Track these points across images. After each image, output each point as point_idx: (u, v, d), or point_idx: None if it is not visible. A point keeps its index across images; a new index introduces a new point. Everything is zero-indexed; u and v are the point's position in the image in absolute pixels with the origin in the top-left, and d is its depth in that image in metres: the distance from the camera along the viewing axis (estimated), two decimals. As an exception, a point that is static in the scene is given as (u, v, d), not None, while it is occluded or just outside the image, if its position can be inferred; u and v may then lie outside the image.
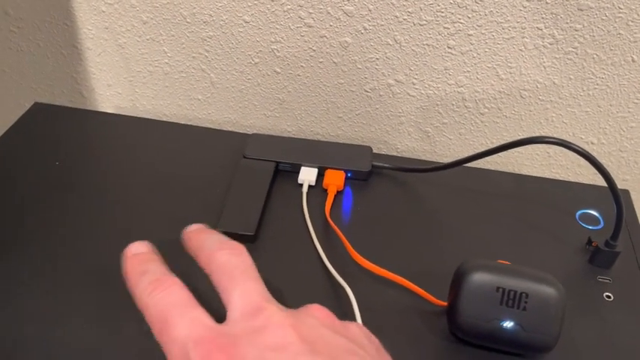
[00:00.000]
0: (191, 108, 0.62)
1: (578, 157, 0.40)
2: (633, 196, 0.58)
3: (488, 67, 0.53)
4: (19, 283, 0.37)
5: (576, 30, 0.49)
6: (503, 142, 0.43)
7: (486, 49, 0.52)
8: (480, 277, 0.32)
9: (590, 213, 0.43)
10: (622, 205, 0.35)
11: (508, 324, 0.32)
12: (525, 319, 0.31)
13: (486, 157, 0.59)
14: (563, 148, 0.37)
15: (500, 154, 0.59)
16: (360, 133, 0.60)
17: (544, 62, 0.51)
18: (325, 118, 0.60)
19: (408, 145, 0.60)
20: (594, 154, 0.56)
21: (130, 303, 0.34)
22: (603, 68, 0.51)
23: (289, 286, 0.37)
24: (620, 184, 0.59)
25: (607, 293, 0.37)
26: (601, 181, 0.40)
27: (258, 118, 0.62)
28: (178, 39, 0.57)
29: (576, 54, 0.50)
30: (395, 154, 0.60)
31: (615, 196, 0.35)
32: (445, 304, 0.35)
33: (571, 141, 0.39)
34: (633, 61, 0.49)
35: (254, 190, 0.42)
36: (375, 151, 0.50)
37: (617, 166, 0.56)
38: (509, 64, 0.52)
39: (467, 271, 0.33)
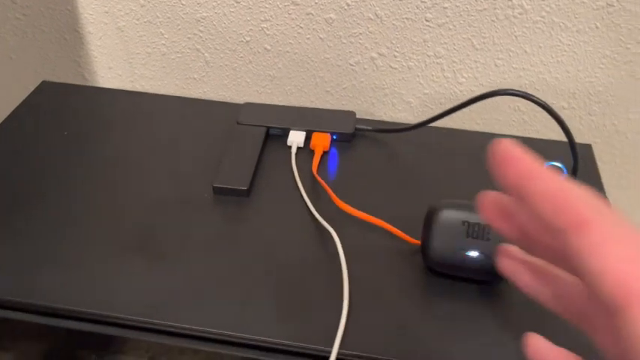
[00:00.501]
0: (187, 87, 0.66)
1: (553, 122, 0.44)
2: (604, 157, 0.62)
3: (464, 37, 0.56)
4: (35, 235, 0.41)
5: (543, 0, 0.52)
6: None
7: (461, 21, 0.55)
8: (447, 214, 0.36)
9: (555, 165, 0.47)
10: (575, 146, 0.39)
11: (474, 253, 0.35)
12: (489, 248, 0.35)
13: (465, 124, 0.63)
14: (529, 103, 0.41)
15: (478, 121, 0.63)
16: (347, 106, 0.64)
17: (515, 32, 0.55)
18: (314, 92, 0.64)
19: (393, 116, 0.64)
20: (566, 118, 0.60)
21: (134, 248, 0.38)
22: (570, 36, 0.54)
23: (281, 232, 0.41)
24: (591, 146, 0.63)
25: (567, 231, 0.41)
26: (560, 138, 0.44)
27: (251, 95, 0.65)
28: (174, 20, 0.61)
29: (544, 23, 0.54)
30: (380, 124, 0.64)
31: (570, 139, 0.39)
32: (419, 242, 0.38)
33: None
34: (597, 27, 0.53)
35: (247, 152, 0.46)
36: (360, 119, 0.54)
37: (587, 129, 0.60)
38: (482, 35, 0.56)
39: (436, 210, 0.36)
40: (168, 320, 0.36)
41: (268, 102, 0.65)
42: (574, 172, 0.41)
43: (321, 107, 0.65)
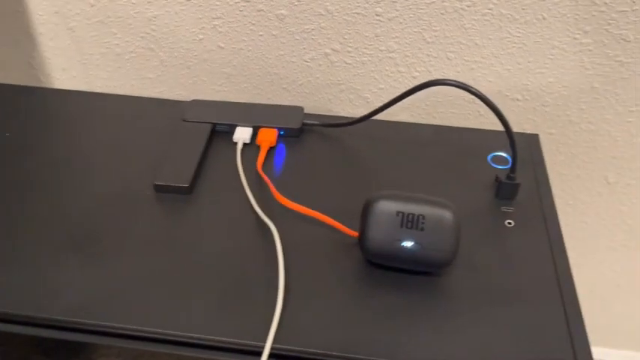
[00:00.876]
0: (143, 87, 0.66)
1: (506, 114, 0.44)
2: (561, 148, 0.62)
3: (415, 31, 0.56)
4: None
5: (490, -8, 0.53)
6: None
7: (411, 15, 0.55)
8: (382, 205, 0.36)
9: (500, 155, 0.47)
10: (512, 134, 0.39)
11: (408, 243, 0.35)
12: (424, 238, 0.35)
13: (423, 118, 0.63)
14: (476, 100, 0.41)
15: (434, 115, 0.63)
16: (304, 102, 0.64)
17: (464, 24, 0.55)
18: (270, 89, 0.63)
19: (351, 112, 0.64)
20: (521, 110, 0.61)
21: (72, 247, 0.37)
22: (518, 27, 0.54)
23: (221, 228, 0.41)
24: (546, 138, 0.64)
25: (509, 220, 0.41)
26: (517, 130, 0.44)
27: (207, 94, 0.65)
28: (126, 20, 0.60)
29: (492, 15, 0.54)
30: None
31: (506, 127, 0.39)
32: (357, 234, 0.38)
33: (493, 97, 0.42)
34: (544, 18, 0.53)
35: (191, 149, 0.46)
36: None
37: (542, 120, 0.60)
38: (433, 28, 0.56)
39: (371, 201, 0.36)
40: (106, 320, 0.35)
41: (226, 100, 0.65)
42: (513, 160, 0.41)
43: (279, 104, 0.65)
